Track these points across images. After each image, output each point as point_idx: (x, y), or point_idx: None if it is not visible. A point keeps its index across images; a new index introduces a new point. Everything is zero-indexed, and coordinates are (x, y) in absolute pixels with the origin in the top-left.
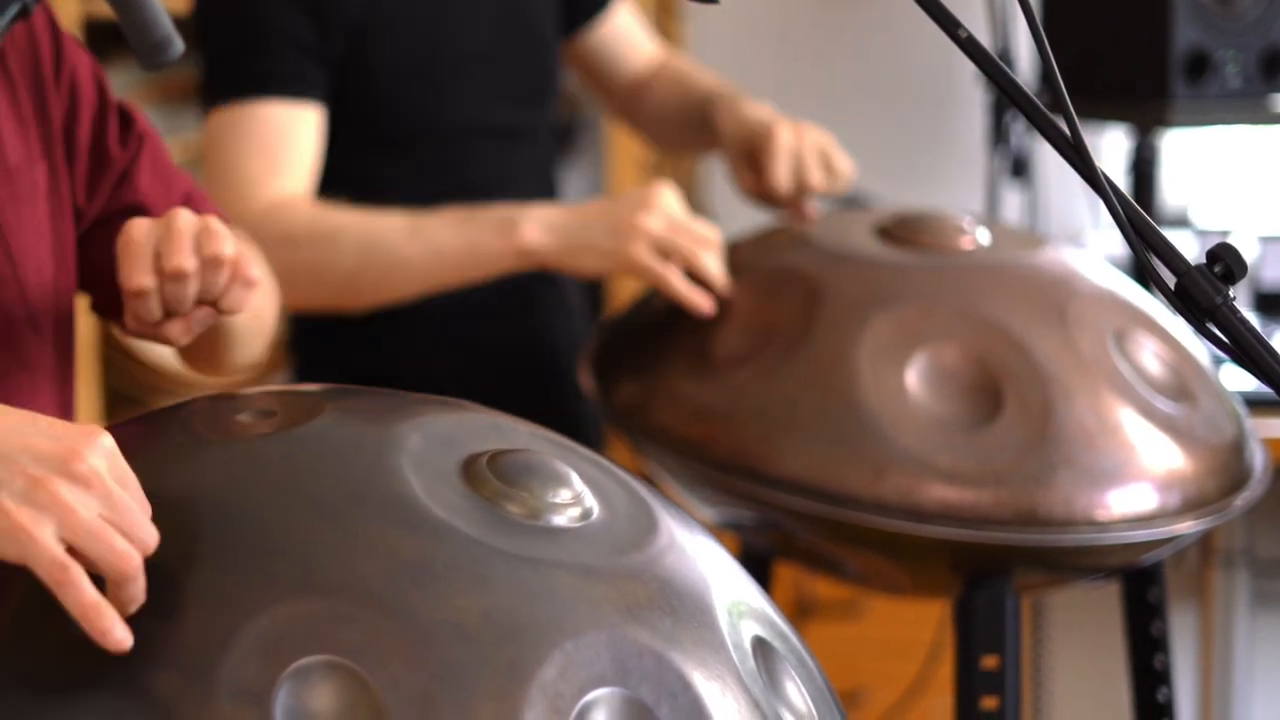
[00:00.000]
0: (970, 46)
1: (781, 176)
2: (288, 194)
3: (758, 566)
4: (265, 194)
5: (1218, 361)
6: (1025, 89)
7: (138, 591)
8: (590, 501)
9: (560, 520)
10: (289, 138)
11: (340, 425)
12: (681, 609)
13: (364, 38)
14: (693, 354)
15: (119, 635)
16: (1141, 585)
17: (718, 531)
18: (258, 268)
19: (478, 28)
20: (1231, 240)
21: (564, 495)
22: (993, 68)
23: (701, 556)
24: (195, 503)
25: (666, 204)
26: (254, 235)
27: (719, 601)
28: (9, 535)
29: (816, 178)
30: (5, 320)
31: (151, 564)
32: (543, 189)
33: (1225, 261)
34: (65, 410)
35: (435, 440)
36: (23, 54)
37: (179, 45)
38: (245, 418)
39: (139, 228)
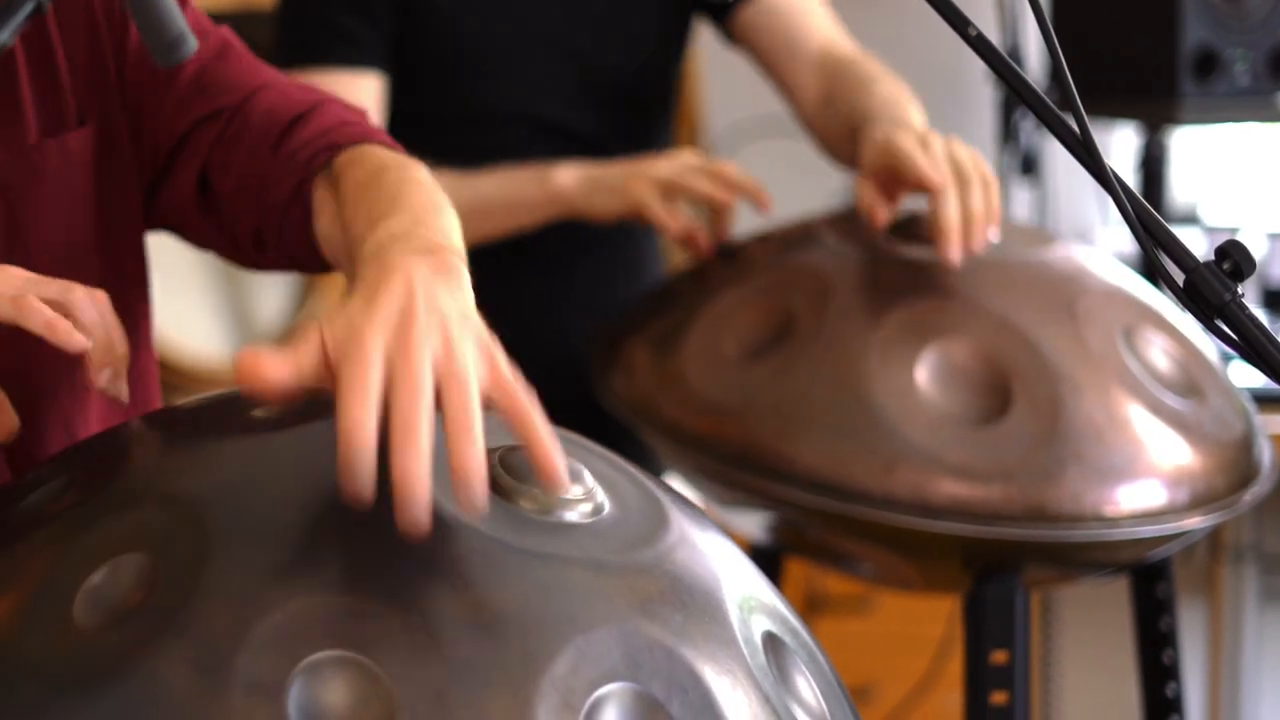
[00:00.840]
0: (980, 45)
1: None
2: None
3: (768, 562)
4: None
5: (1226, 358)
6: (1035, 87)
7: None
8: (601, 497)
9: (572, 516)
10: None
11: None
12: (692, 604)
13: (412, 13)
14: (704, 349)
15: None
16: (1150, 580)
17: (728, 527)
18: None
19: (544, 16)
20: (1240, 237)
21: (576, 491)
22: (1002, 66)
23: (712, 552)
24: (209, 498)
25: (682, 157)
26: None
27: (730, 597)
28: None
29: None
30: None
31: (166, 559)
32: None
33: (1234, 259)
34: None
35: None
36: (69, 8)
37: (193, 43)
38: (260, 413)
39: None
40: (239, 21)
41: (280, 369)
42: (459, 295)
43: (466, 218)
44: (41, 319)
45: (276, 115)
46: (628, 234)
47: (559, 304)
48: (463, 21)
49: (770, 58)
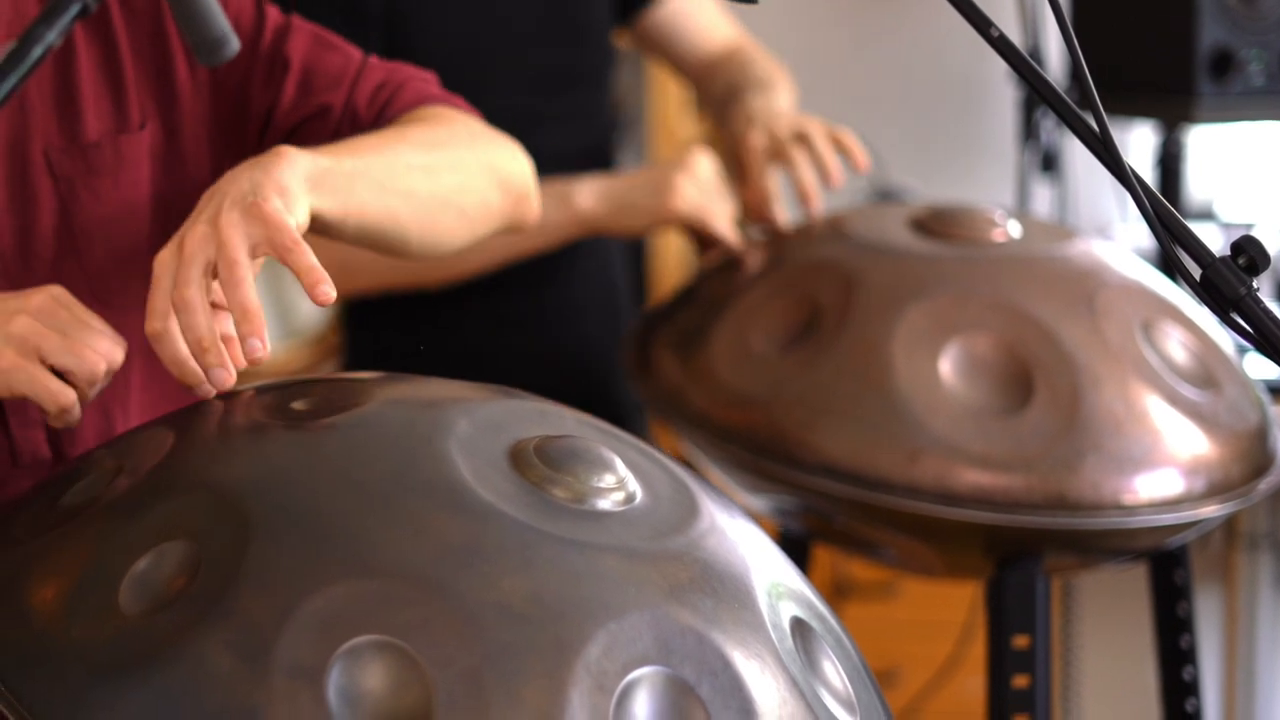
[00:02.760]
0: (1002, 45)
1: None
2: None
3: (796, 549)
4: None
5: (1241, 350)
6: (1055, 86)
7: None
8: (634, 486)
9: (605, 504)
10: None
11: (391, 412)
12: (722, 590)
13: (400, 25)
14: (732, 342)
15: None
16: (1168, 567)
17: (756, 515)
18: (285, 233)
19: (517, 14)
20: (1255, 233)
21: (608, 480)
22: (1024, 66)
23: (741, 539)
24: (251, 488)
25: (701, 167)
26: None
27: (759, 583)
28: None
29: (818, 174)
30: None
31: (209, 546)
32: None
33: (1249, 253)
34: (156, 379)
35: (483, 426)
36: (137, 13)
37: (235, 44)
38: (299, 405)
39: (160, 266)
40: None
41: None
42: (257, 173)
43: (491, 242)
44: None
45: (376, 105)
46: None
47: (580, 308)
48: (447, 33)
49: (668, 50)
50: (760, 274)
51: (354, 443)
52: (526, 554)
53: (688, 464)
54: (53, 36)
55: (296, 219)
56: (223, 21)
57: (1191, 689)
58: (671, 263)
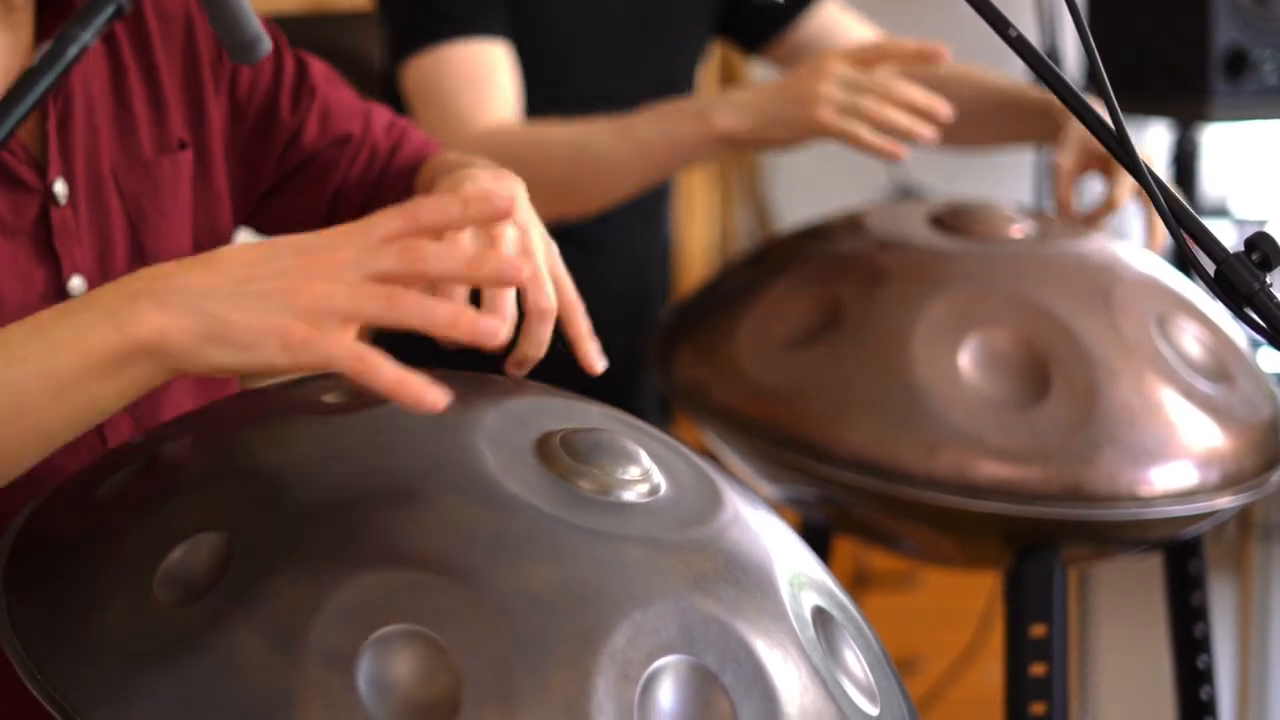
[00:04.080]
0: (1020, 45)
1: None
2: (498, 119)
3: (817, 539)
4: (479, 123)
5: (1255, 345)
6: (1072, 85)
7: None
8: (658, 478)
9: (630, 496)
10: (487, 70)
11: None
12: (745, 580)
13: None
14: (755, 335)
15: (434, 397)
16: (1182, 557)
17: (779, 506)
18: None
19: (621, 16)
20: (1269, 229)
21: (633, 472)
22: (1041, 65)
23: (764, 530)
24: (283, 479)
25: (839, 69)
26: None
27: (781, 573)
28: (304, 347)
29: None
30: None
31: (242, 536)
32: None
33: (1262, 249)
34: (208, 390)
35: (511, 419)
36: (171, 24)
37: (267, 44)
38: (331, 397)
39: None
40: (310, 24)
41: None
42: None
43: (628, 162)
44: (387, 378)
45: (392, 138)
46: (656, 224)
47: (596, 295)
48: (558, 10)
49: None
50: (783, 269)
51: (384, 435)
52: (553, 544)
53: (711, 456)
54: (88, 37)
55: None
56: (255, 23)
57: (1206, 677)
58: (696, 259)
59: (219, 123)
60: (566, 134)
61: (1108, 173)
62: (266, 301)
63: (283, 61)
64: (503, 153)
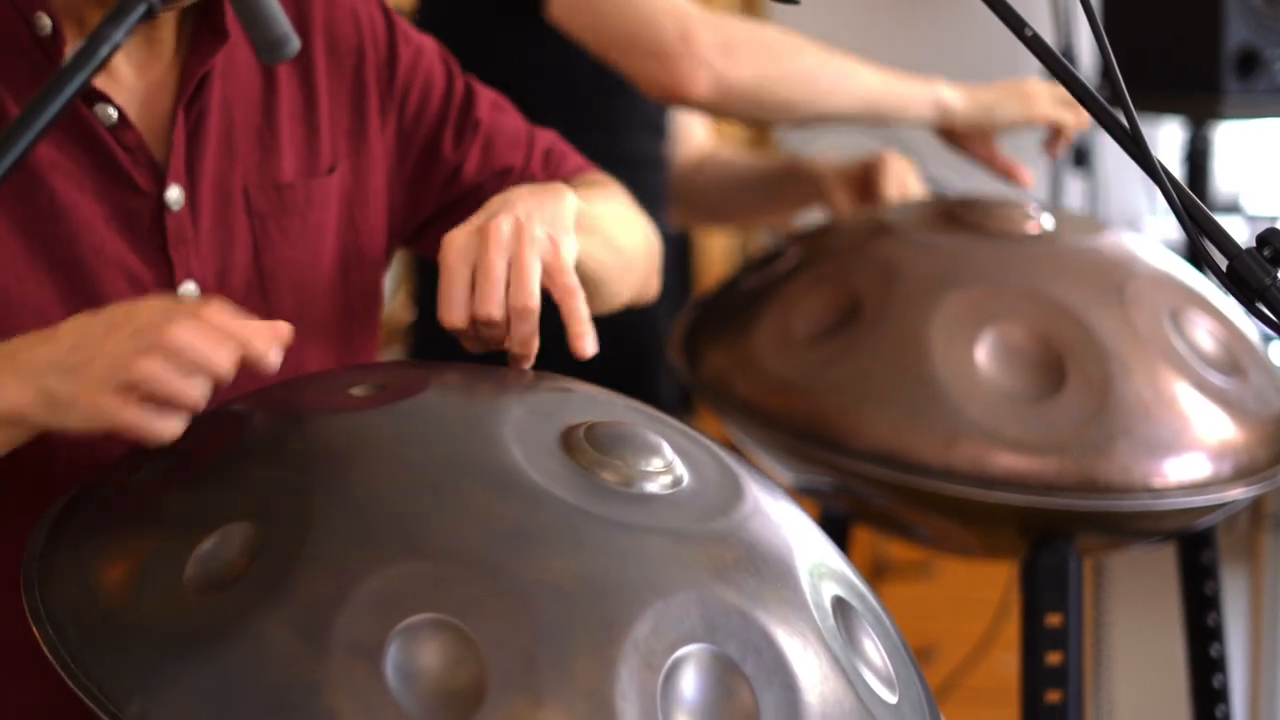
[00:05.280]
0: (1036, 44)
1: (893, 192)
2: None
3: (837, 530)
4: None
5: (1267, 339)
6: (1087, 84)
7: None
8: (681, 470)
9: (653, 487)
10: None
11: (447, 398)
12: (766, 570)
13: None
14: (776, 331)
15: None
16: (1195, 548)
17: (799, 497)
18: (571, 276)
19: None
20: None
21: (656, 464)
22: (1057, 64)
23: (784, 521)
24: (311, 471)
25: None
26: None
27: (801, 563)
28: (96, 414)
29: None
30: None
31: (270, 529)
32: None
33: (1274, 245)
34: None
35: (536, 412)
36: (341, 55)
37: (295, 43)
38: (358, 391)
39: (454, 250)
40: None
41: None
42: (551, 203)
43: (865, 87)
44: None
45: (550, 167)
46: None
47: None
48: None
49: None
50: (802, 265)
51: (411, 428)
52: (577, 536)
53: (733, 448)
54: (119, 36)
55: (572, 261)
56: (284, 22)
57: (1218, 665)
58: (716, 257)
59: (381, 154)
60: (812, 45)
61: (871, 181)
62: (79, 373)
63: (453, 91)
64: (749, 32)
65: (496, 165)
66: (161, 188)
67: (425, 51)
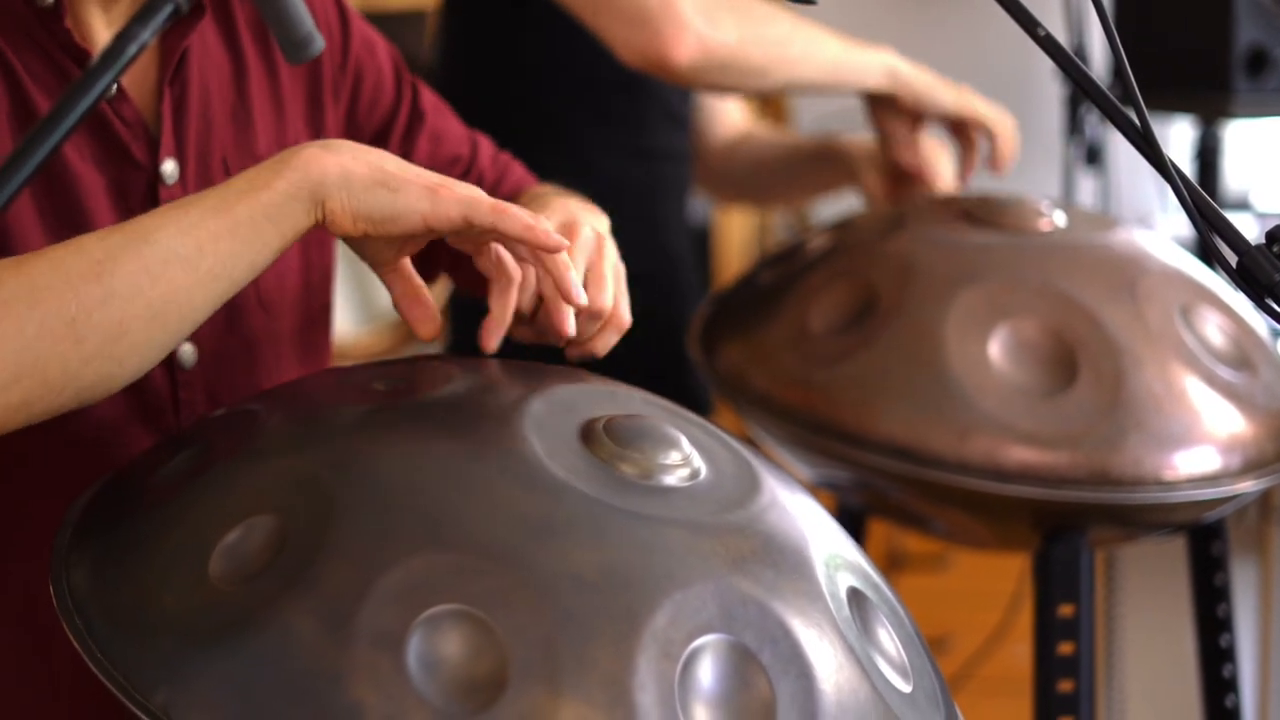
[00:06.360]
0: (1048, 44)
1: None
2: None
3: (853, 522)
4: None
5: (1276, 334)
6: (1098, 83)
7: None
8: (698, 463)
9: (671, 480)
10: None
11: (469, 393)
12: (783, 562)
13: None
14: (792, 326)
15: (556, 240)
16: (1205, 540)
17: (815, 490)
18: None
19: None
20: None
21: (674, 457)
22: (1069, 63)
23: (801, 513)
24: (335, 464)
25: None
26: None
27: (817, 555)
28: (447, 197)
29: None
30: (239, 313)
31: (293, 521)
32: (679, 202)
33: None
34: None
35: (556, 406)
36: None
37: (320, 43)
38: (381, 385)
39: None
40: (406, 22)
41: None
42: (601, 223)
43: (820, 58)
44: (521, 222)
45: (498, 167)
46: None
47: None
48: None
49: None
50: (819, 261)
51: (433, 422)
52: (597, 527)
53: (750, 442)
54: (147, 35)
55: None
56: (309, 22)
57: (1228, 656)
58: (735, 252)
59: (335, 133)
60: (784, 13)
61: (908, 155)
62: (407, 170)
63: (401, 90)
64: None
65: (446, 155)
66: (156, 161)
67: (378, 47)
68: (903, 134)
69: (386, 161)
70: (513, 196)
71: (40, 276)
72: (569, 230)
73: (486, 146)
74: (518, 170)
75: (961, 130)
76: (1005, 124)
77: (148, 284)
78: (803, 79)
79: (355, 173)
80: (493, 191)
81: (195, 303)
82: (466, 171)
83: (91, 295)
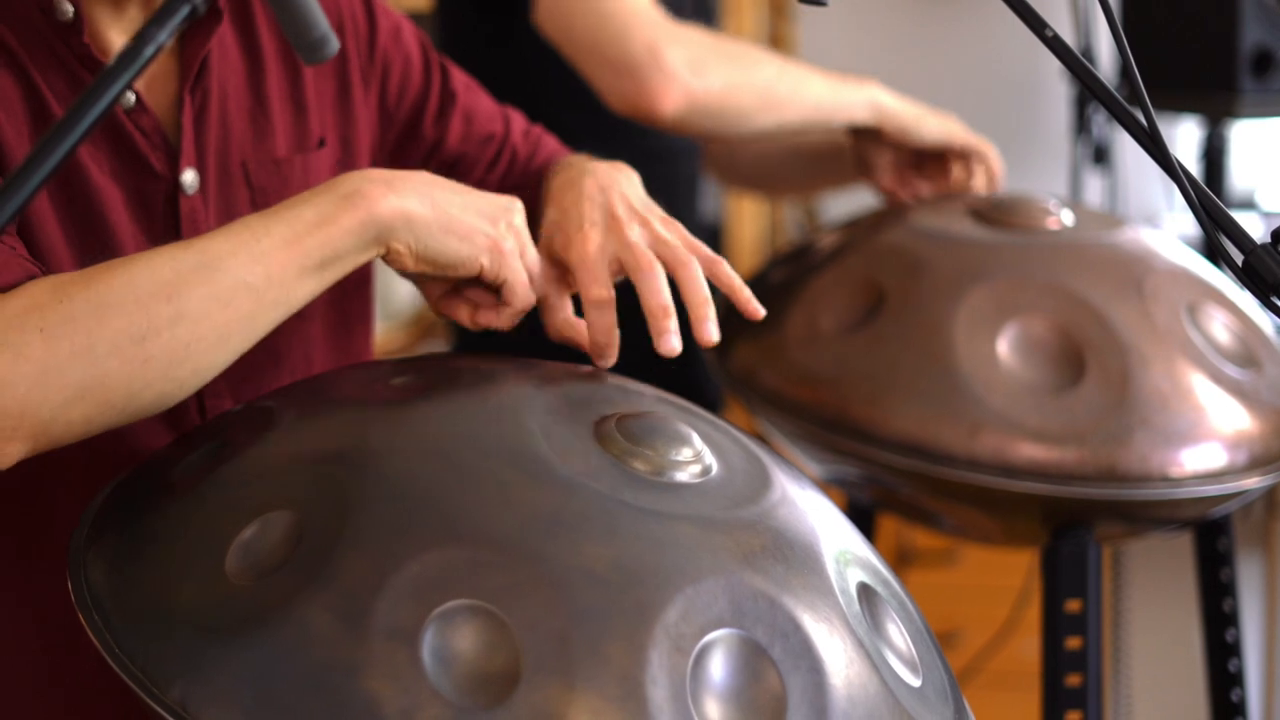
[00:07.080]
0: (1056, 45)
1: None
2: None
3: (863, 518)
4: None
5: None
6: (1106, 83)
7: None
8: (709, 459)
9: (682, 476)
10: None
11: (482, 390)
12: (793, 557)
13: None
14: (803, 323)
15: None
16: (1212, 535)
17: (825, 486)
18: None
19: None
20: None
21: (686, 453)
22: (1076, 64)
23: (811, 509)
24: (350, 461)
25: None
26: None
27: (827, 550)
28: (504, 259)
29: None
30: None
31: (310, 517)
32: (690, 202)
33: None
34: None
35: (569, 403)
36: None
37: (335, 43)
38: (396, 382)
39: (594, 240)
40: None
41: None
42: (634, 184)
43: (811, 97)
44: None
45: (530, 142)
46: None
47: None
48: None
49: None
50: (829, 259)
51: (448, 419)
52: (609, 523)
53: (761, 438)
54: (164, 36)
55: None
56: (324, 22)
57: (1234, 650)
58: (746, 250)
59: (366, 124)
60: (770, 56)
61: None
62: (471, 216)
63: (430, 70)
64: (712, 44)
65: (480, 134)
66: (176, 171)
67: (404, 29)
68: (887, 164)
69: (451, 204)
70: (544, 169)
71: (110, 293)
72: (572, 243)
73: (519, 121)
74: (550, 143)
75: (947, 159)
76: (990, 152)
77: (216, 309)
78: (790, 121)
79: (422, 217)
80: (525, 166)
81: (257, 328)
82: (500, 149)
83: (162, 315)
